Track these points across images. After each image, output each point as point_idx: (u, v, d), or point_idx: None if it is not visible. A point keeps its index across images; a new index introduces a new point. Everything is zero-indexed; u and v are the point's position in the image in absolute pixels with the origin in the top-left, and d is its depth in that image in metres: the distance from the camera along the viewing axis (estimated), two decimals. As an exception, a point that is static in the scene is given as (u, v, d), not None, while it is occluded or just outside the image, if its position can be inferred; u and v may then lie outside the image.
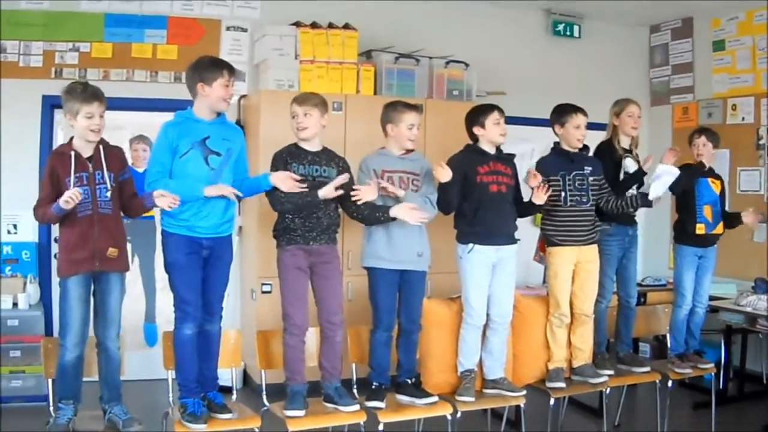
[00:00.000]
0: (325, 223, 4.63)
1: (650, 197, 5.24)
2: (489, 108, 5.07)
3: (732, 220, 5.91)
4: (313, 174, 4.60)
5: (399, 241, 4.77)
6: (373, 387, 4.73)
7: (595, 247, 5.35)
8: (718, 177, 5.89)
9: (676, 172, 5.22)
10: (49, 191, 4.22)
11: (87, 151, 4.28)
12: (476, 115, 5.07)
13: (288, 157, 4.59)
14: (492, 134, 5.01)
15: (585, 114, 5.31)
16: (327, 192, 4.49)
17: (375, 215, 4.70)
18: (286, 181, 4.47)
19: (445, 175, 4.73)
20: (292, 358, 4.54)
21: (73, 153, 4.23)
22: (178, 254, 4.41)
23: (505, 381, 5.03)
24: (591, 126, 5.42)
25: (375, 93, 6.89)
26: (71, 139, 4.35)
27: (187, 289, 4.39)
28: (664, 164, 5.25)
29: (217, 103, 4.47)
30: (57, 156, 4.31)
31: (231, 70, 4.52)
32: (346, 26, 6.91)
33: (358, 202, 4.61)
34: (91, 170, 4.26)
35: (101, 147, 4.33)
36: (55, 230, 4.40)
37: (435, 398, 4.73)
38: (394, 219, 4.66)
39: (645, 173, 5.48)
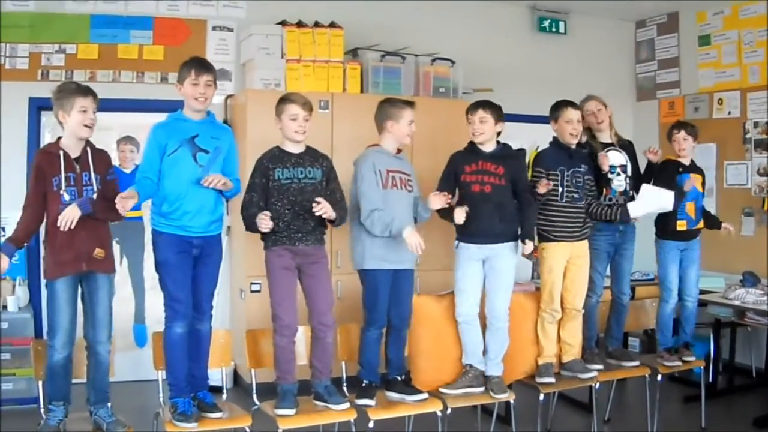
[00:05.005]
0: (312, 225, 4.60)
1: (631, 215, 5.29)
2: (473, 106, 5.06)
3: (711, 222, 5.91)
4: (298, 176, 4.57)
5: (399, 240, 4.72)
6: (363, 385, 4.74)
7: (585, 243, 5.35)
8: (699, 171, 5.84)
9: (669, 207, 5.27)
10: (35, 190, 4.20)
11: (75, 152, 4.25)
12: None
13: (269, 163, 4.54)
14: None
15: (577, 108, 5.32)
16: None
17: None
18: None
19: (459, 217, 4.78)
20: (283, 358, 4.54)
21: (61, 152, 4.21)
22: (169, 253, 4.40)
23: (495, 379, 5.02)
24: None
25: (361, 91, 6.90)
26: (59, 139, 4.33)
27: (177, 287, 4.39)
28: (651, 188, 5.28)
29: (189, 102, 4.46)
30: (44, 154, 4.27)
31: (200, 67, 4.45)
32: (332, 25, 6.91)
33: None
34: (79, 171, 4.23)
35: (88, 149, 4.32)
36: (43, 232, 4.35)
37: (425, 395, 4.74)
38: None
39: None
